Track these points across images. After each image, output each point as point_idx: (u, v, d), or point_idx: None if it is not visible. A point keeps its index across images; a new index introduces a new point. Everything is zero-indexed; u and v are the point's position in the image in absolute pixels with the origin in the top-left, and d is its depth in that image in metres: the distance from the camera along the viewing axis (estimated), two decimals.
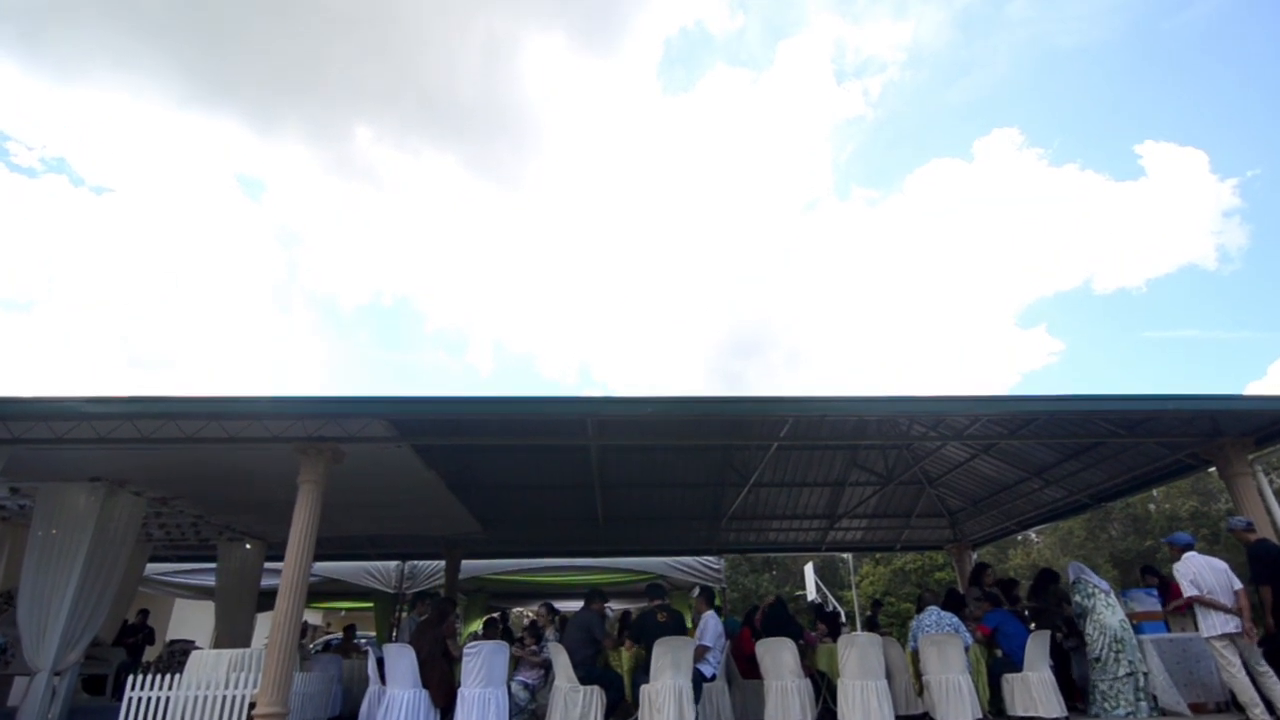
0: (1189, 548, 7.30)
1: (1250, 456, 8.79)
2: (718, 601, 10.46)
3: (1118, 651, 7.48)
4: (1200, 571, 6.99)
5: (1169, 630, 8.20)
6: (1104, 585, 7.99)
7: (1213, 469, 9.72)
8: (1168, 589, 8.71)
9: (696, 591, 9.22)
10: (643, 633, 7.77)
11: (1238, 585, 6.86)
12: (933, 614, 7.84)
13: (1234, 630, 6.66)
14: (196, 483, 9.71)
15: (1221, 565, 7.02)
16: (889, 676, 7.67)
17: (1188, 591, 6.97)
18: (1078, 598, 8.02)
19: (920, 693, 7.74)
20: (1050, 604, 9.11)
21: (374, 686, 7.82)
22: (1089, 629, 7.74)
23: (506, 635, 8.98)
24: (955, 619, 7.79)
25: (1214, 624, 6.79)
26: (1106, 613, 7.69)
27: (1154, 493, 27.33)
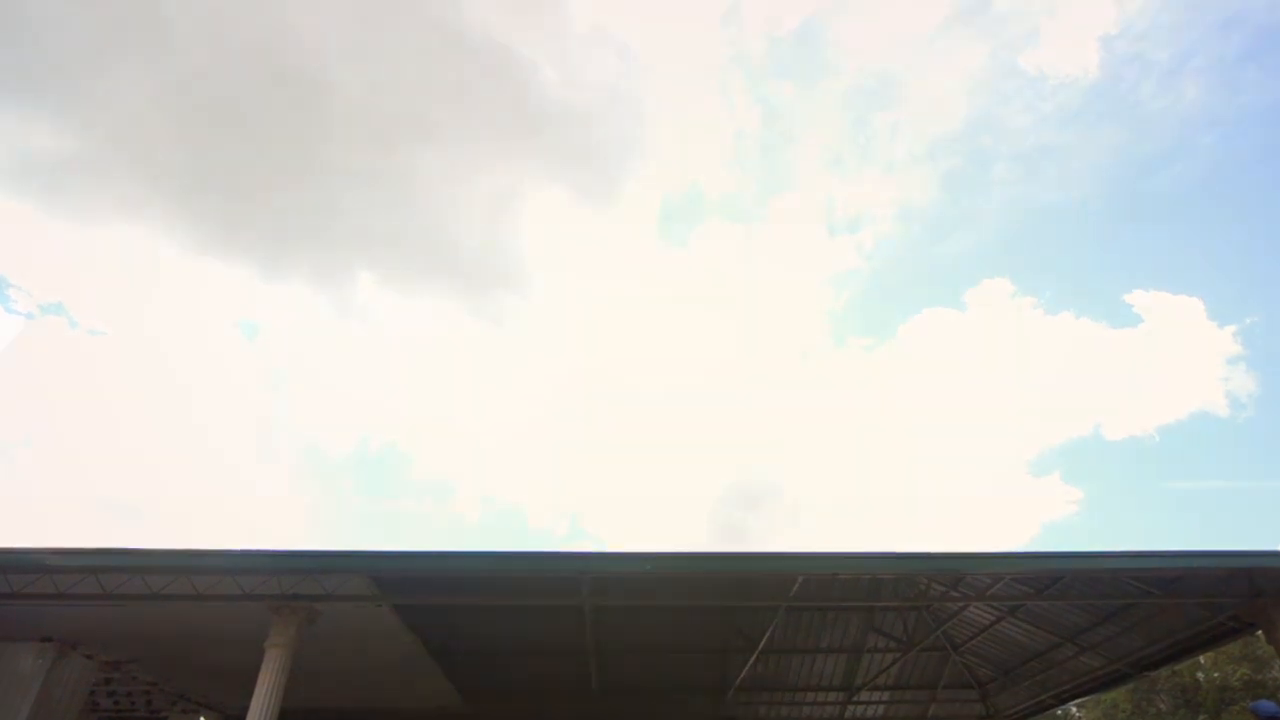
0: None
1: None
2: None
3: None
4: None
5: None
6: None
7: (1259, 632, 9.02)
8: None
9: None
10: None
11: None
12: None
13: None
14: (157, 644, 8.99)
15: None
16: None
17: None
18: None
19: None
20: None
21: None
22: None
23: None
24: None
25: None
26: None
27: (1201, 660, 25.23)
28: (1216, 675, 25.49)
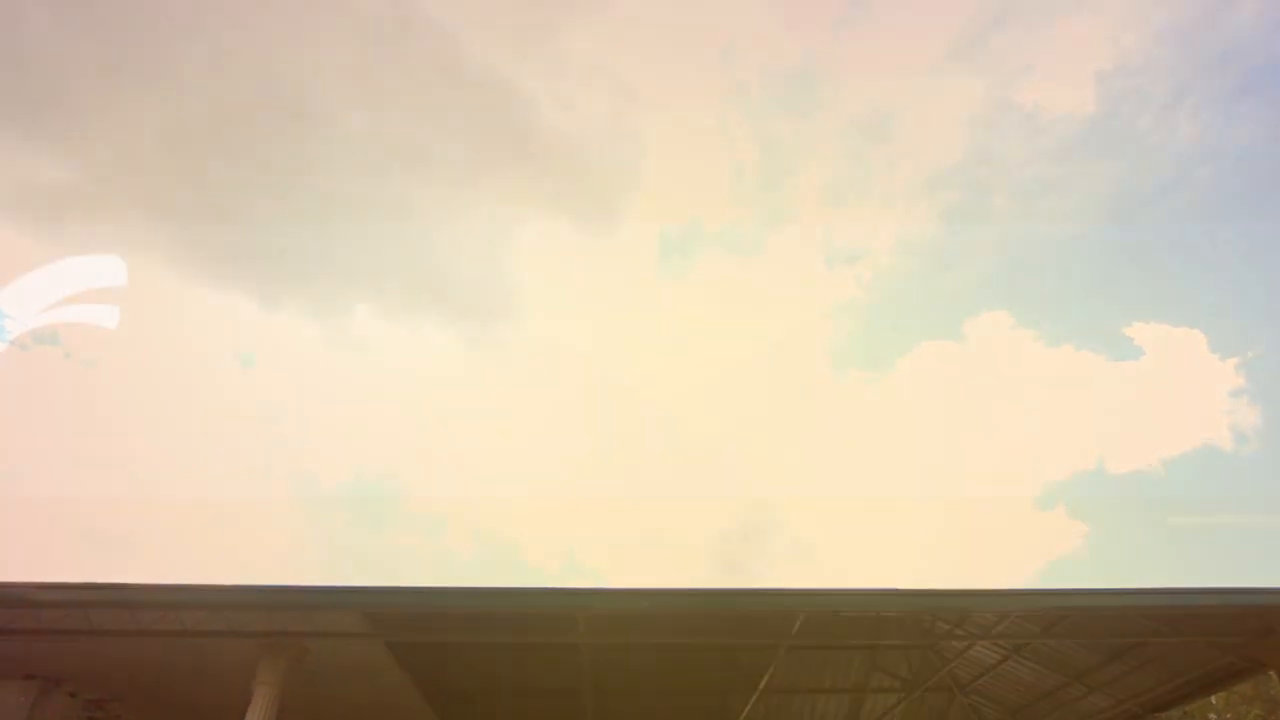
0: None
1: None
2: None
3: None
4: None
5: None
6: None
7: (1272, 672, 8.84)
8: None
9: None
10: None
11: None
12: None
13: None
14: (142, 682, 8.79)
15: None
16: None
17: None
18: None
19: None
20: None
21: None
22: None
23: None
24: None
25: None
26: None
27: (1213, 700, 24.62)
28: (1229, 717, 24.89)
